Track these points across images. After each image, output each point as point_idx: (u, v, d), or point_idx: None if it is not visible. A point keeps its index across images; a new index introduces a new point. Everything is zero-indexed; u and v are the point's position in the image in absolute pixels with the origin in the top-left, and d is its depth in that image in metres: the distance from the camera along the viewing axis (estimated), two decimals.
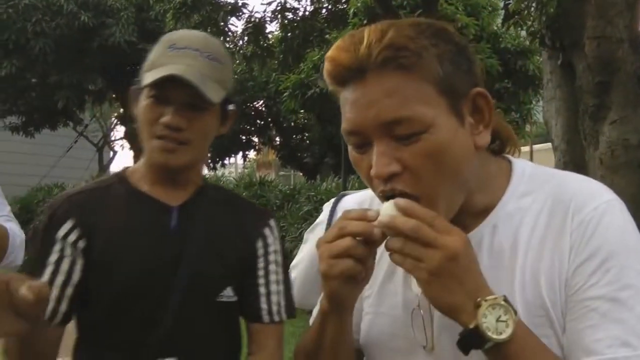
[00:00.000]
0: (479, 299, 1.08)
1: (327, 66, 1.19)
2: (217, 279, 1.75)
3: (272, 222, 1.87)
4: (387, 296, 1.35)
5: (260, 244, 1.83)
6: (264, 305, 1.79)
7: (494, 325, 1.08)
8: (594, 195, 1.20)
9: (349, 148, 1.23)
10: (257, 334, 1.80)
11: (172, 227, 1.74)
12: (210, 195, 1.83)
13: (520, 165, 1.30)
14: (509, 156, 1.34)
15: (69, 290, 1.69)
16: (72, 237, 1.71)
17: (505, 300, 1.09)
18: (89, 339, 1.76)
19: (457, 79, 1.17)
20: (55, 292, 1.67)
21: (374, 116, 1.13)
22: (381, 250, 1.36)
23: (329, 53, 1.20)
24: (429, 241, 1.08)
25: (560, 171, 1.32)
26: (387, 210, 1.13)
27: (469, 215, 1.25)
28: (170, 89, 1.65)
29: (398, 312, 1.32)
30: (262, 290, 1.80)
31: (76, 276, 1.70)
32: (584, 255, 1.15)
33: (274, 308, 1.80)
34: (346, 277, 1.17)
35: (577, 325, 1.14)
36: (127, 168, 1.87)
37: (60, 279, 1.68)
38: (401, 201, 1.11)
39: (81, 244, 1.70)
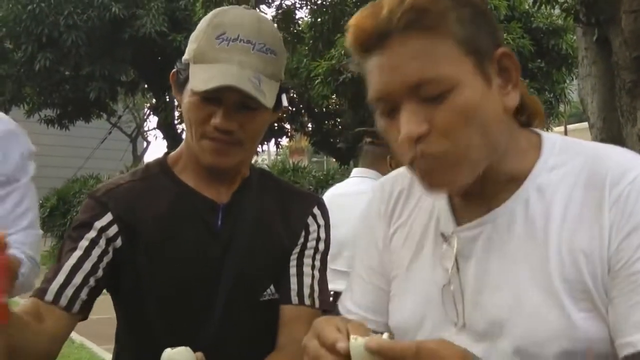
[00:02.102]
0: None
1: (349, 35, 1.19)
2: (261, 279, 1.71)
3: (316, 210, 1.80)
4: (416, 275, 1.33)
5: (302, 234, 1.77)
6: (293, 286, 1.72)
7: None
8: (631, 167, 1.16)
9: (378, 117, 1.21)
10: (286, 319, 1.71)
11: (218, 226, 1.69)
12: (256, 187, 1.77)
13: (550, 137, 1.27)
14: (538, 130, 1.31)
15: (92, 281, 1.62)
16: (110, 233, 1.65)
17: None
18: (132, 338, 1.74)
19: (481, 40, 1.16)
20: (78, 278, 1.60)
21: (400, 79, 1.13)
22: (407, 229, 1.37)
23: (351, 22, 1.18)
24: None
25: (591, 143, 1.28)
26: (358, 351, 1.03)
27: (496, 183, 1.22)
28: (221, 90, 1.55)
29: (428, 290, 1.29)
30: (293, 271, 1.73)
31: (102, 270, 1.64)
32: (627, 229, 1.11)
33: (306, 291, 1.72)
34: None
35: (627, 302, 1.09)
36: (168, 155, 1.80)
37: (88, 265, 1.61)
38: (372, 342, 1.02)
39: (118, 242, 1.65)
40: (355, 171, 4.67)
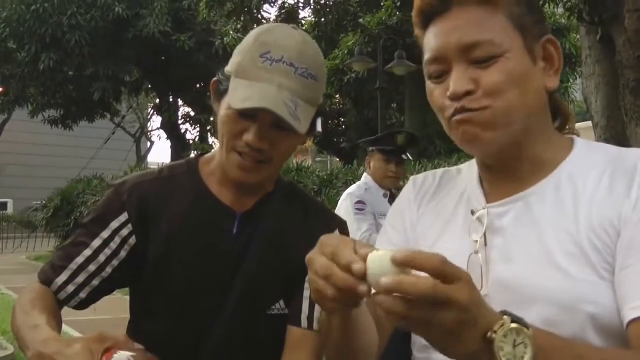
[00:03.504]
0: (489, 334, 1.01)
1: (417, 3, 1.31)
2: (270, 294, 1.69)
3: (337, 233, 1.71)
4: (443, 247, 1.35)
5: None
6: (305, 309, 1.68)
7: (513, 352, 1.04)
8: None
9: (427, 83, 1.31)
10: (292, 339, 1.68)
11: (234, 235, 1.68)
12: (280, 201, 1.76)
13: (582, 140, 1.36)
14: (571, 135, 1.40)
15: (96, 282, 1.65)
16: (124, 232, 1.67)
17: (513, 319, 1.03)
18: (139, 337, 1.74)
19: (531, 22, 1.27)
20: (81, 278, 1.64)
21: (456, 40, 1.24)
22: (437, 210, 1.43)
23: None
24: (441, 301, 0.97)
25: (615, 147, 1.37)
26: (380, 264, 0.99)
27: (526, 165, 1.30)
28: (261, 110, 1.54)
29: (454, 261, 1.30)
30: (307, 294, 1.67)
31: (109, 270, 1.66)
32: None
33: (316, 315, 1.67)
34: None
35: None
36: (201, 156, 1.80)
37: (92, 267, 1.65)
38: (399, 254, 0.97)
39: (132, 240, 1.67)
40: None
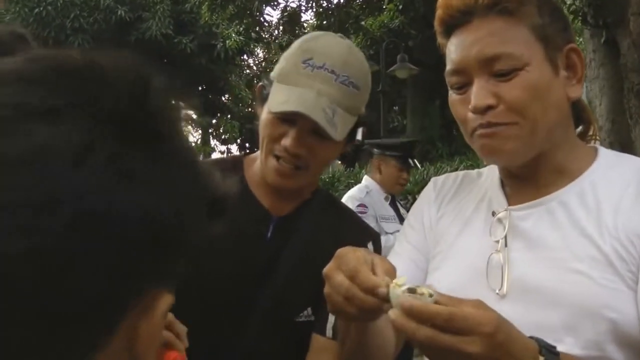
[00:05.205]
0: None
1: (439, 13, 1.32)
2: (299, 301, 1.67)
3: (370, 245, 1.74)
4: (462, 247, 1.37)
5: None
6: (331, 319, 1.66)
7: None
8: None
9: (450, 93, 1.31)
10: (316, 347, 1.68)
11: (268, 238, 1.68)
12: (316, 209, 1.75)
13: (606, 150, 1.35)
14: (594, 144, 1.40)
15: None
16: None
17: (547, 348, 1.06)
18: None
19: (554, 32, 1.27)
20: None
21: (477, 52, 1.24)
22: (456, 211, 1.43)
23: (441, 1, 1.32)
24: (464, 329, 0.99)
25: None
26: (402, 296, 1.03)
27: (548, 172, 1.30)
28: (295, 114, 1.55)
29: (473, 260, 1.33)
30: None
31: None
32: None
33: (330, 322, 1.66)
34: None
35: None
36: (247, 155, 1.80)
37: None
38: (406, 303, 1.01)
39: None
40: None
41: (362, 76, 1.63)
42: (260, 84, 1.70)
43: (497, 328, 0.99)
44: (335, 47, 1.61)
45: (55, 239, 0.53)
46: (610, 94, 5.83)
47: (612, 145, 5.67)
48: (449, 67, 1.29)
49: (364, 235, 1.77)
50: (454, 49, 1.28)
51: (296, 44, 1.64)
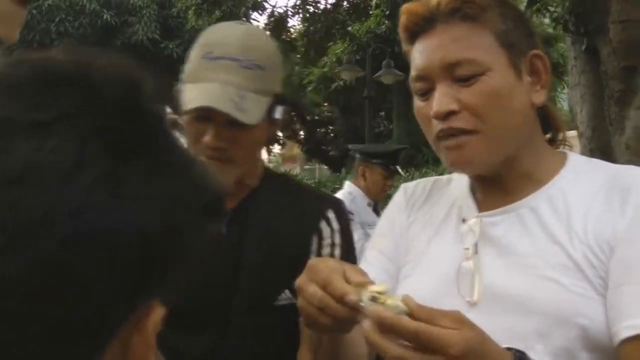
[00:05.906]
0: None
1: (402, 20, 1.33)
2: (273, 286, 1.68)
3: (330, 214, 1.74)
4: (433, 255, 1.37)
5: (315, 239, 1.72)
6: None
7: None
8: None
9: (414, 99, 1.31)
10: (305, 335, 1.65)
11: (225, 236, 1.67)
12: (268, 194, 1.75)
13: (576, 155, 1.36)
14: (565, 150, 1.40)
15: None
16: None
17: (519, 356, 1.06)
18: None
19: (518, 37, 1.28)
20: None
21: (439, 58, 1.25)
22: (427, 218, 1.43)
23: (405, 7, 1.33)
24: (431, 348, 0.97)
25: (612, 164, 1.35)
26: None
27: (515, 179, 1.30)
28: (207, 109, 1.55)
29: (443, 268, 1.32)
30: None
31: None
32: None
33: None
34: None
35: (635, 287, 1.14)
36: None
37: None
38: (375, 314, 0.99)
39: None
40: None
41: (267, 56, 1.63)
42: (173, 90, 1.70)
43: (467, 350, 0.95)
44: (232, 34, 1.62)
45: (48, 258, 0.52)
46: (592, 101, 5.87)
47: (592, 152, 5.71)
48: (412, 73, 1.31)
49: (323, 204, 1.78)
50: (418, 56, 1.30)
51: (197, 42, 1.65)
